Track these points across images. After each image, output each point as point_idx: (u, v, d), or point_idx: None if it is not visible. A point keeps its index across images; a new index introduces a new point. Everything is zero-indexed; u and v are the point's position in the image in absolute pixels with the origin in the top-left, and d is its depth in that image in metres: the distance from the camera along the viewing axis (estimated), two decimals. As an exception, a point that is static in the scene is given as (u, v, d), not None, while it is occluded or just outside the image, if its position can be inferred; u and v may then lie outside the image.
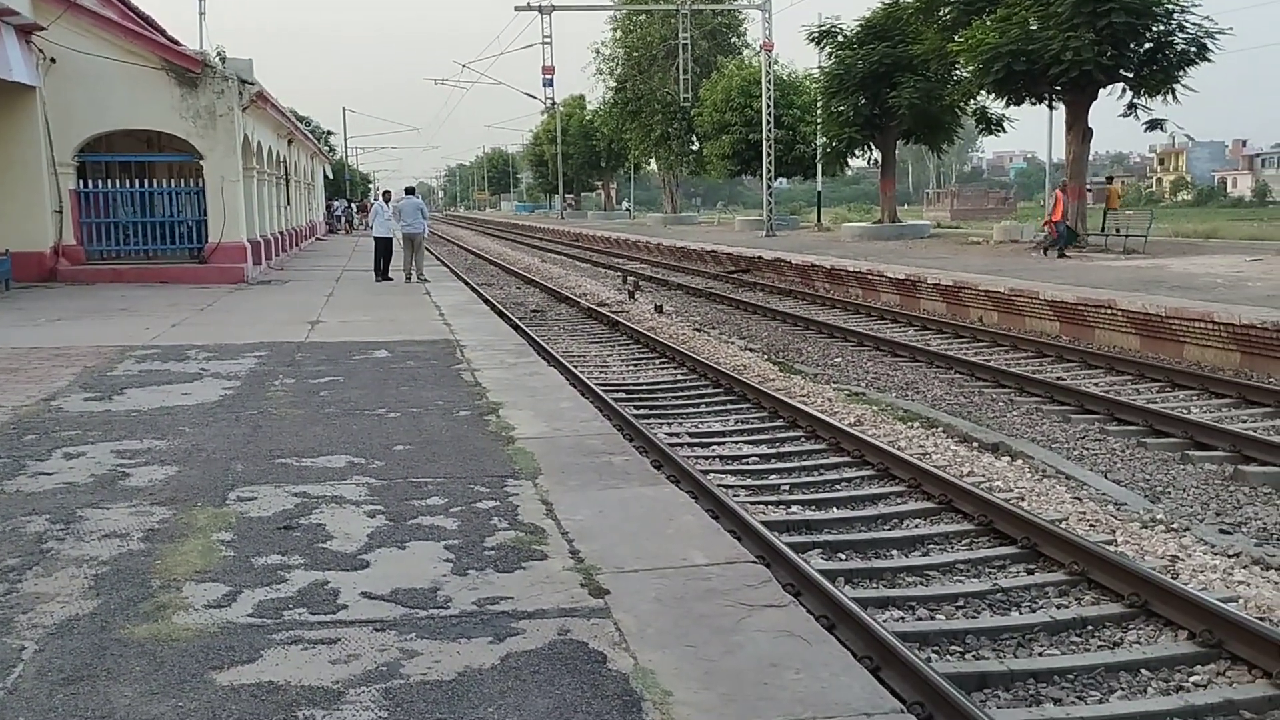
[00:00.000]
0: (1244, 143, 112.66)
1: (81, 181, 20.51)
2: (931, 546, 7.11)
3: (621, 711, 3.40)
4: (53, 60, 19.17)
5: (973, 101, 32.65)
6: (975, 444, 9.64)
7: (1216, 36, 25.11)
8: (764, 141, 40.23)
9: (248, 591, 4.44)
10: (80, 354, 11.14)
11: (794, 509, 7.89)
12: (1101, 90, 26.63)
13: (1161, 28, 25.34)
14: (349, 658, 3.80)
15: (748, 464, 9.25)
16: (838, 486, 8.50)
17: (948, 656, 5.45)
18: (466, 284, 23.34)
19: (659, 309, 20.29)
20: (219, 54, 22.97)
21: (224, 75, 20.44)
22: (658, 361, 14.66)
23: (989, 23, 26.57)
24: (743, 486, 8.50)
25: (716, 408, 11.54)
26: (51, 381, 9.51)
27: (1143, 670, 5.25)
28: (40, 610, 4.25)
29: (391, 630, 4.04)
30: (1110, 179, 35.88)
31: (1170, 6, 25.04)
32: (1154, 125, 27.48)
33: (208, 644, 3.91)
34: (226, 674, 3.67)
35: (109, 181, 21.37)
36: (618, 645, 3.89)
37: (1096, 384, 12.54)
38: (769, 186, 41.61)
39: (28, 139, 19.21)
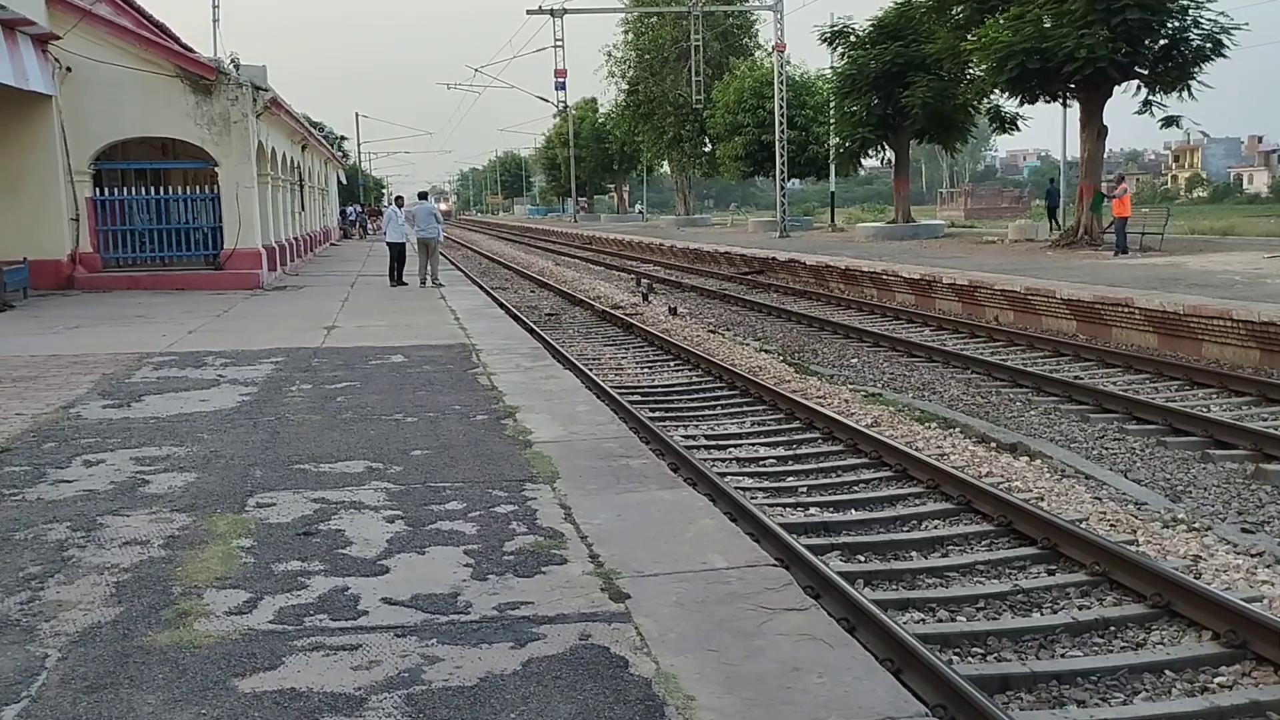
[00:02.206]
0: (1260, 138, 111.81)
1: (98, 189, 20.63)
2: (951, 547, 7.08)
3: (644, 717, 3.38)
4: (68, 69, 19.29)
5: (986, 100, 32.55)
6: (993, 444, 9.59)
7: (1232, 32, 24.98)
8: (777, 142, 40.18)
9: (268, 598, 4.44)
10: (98, 361, 11.19)
11: (812, 511, 7.87)
12: (1116, 88, 26.52)
13: (1176, 24, 25.22)
14: (370, 664, 3.80)
15: (765, 466, 9.23)
16: (856, 488, 8.47)
17: (969, 658, 5.42)
18: (481, 288, 23.37)
19: (673, 311, 20.27)
20: (233, 61, 23.05)
21: (238, 82, 20.53)
22: (672, 364, 14.65)
23: (1002, 21, 26.48)
24: (760, 489, 8.48)
25: (732, 410, 11.52)
26: (70, 389, 9.56)
27: (1167, 671, 5.21)
28: (62, 618, 4.26)
29: (412, 636, 4.04)
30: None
31: (1185, 2, 24.92)
32: (1169, 122, 27.34)
33: (229, 651, 3.92)
34: (249, 681, 3.67)
35: (125, 189, 21.47)
36: (639, 650, 3.88)
37: (1114, 383, 12.47)
38: (782, 187, 41.57)
39: (44, 147, 19.33)
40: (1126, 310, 15.45)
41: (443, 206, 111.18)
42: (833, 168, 45.80)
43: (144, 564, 4.87)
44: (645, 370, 14.24)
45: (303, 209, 33.18)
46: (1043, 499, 7.84)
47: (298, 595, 4.47)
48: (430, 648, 3.93)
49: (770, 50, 47.30)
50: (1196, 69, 25.39)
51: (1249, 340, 13.36)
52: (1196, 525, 7.29)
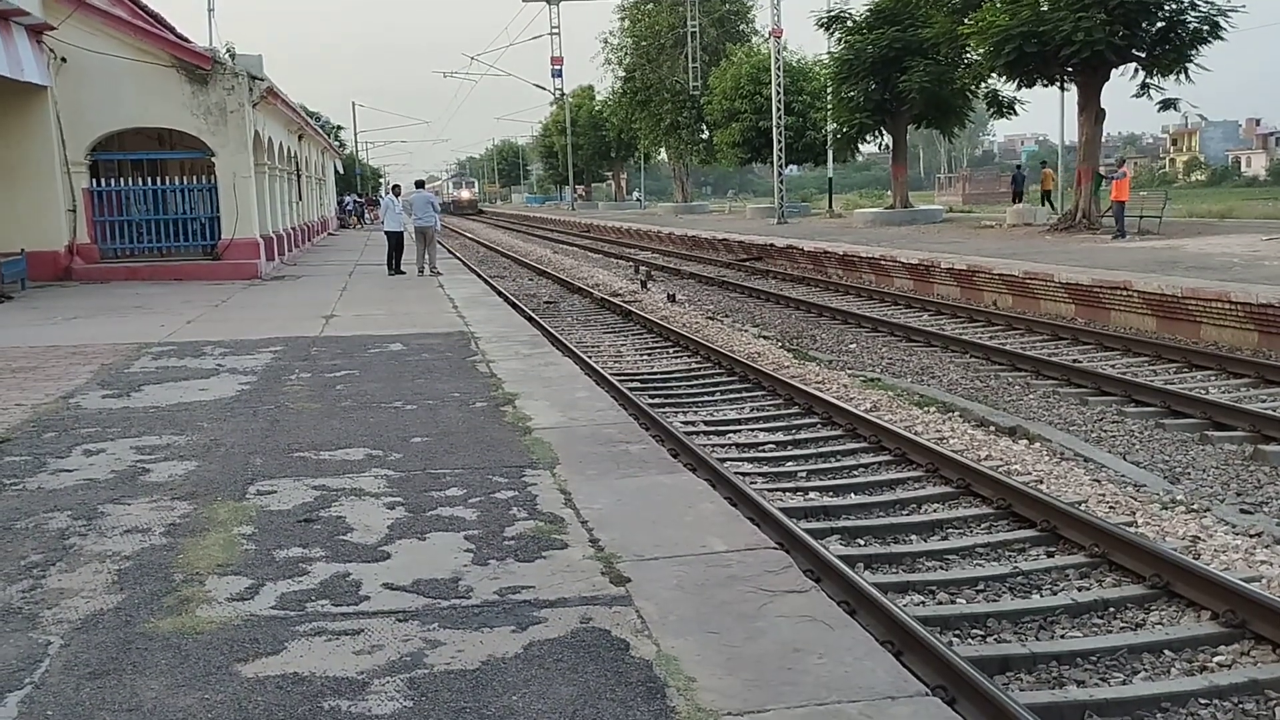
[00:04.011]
0: (1258, 121, 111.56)
1: (95, 180, 20.58)
2: (950, 531, 7.09)
3: (645, 698, 3.40)
4: (64, 60, 19.23)
5: (984, 84, 32.50)
6: (992, 428, 9.60)
7: (1229, 14, 24.94)
8: (774, 128, 40.12)
9: (270, 584, 4.46)
10: (97, 351, 11.19)
11: (811, 495, 7.88)
12: (1114, 71, 26.46)
13: (1174, 6, 25.14)
14: (373, 648, 3.82)
15: (764, 451, 9.25)
16: (855, 472, 8.48)
17: (969, 640, 5.44)
18: (479, 276, 23.33)
19: (671, 298, 20.27)
20: (229, 50, 22.91)
21: (234, 72, 20.46)
22: (671, 350, 14.65)
23: (999, 4, 26.40)
24: (760, 474, 8.49)
25: (731, 395, 11.53)
26: (69, 379, 9.56)
27: (1166, 651, 5.23)
28: (65, 605, 4.28)
29: (414, 620, 4.05)
30: (1044, 163, 39.96)
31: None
32: (1167, 105, 27.29)
33: (232, 636, 3.93)
34: (252, 666, 3.69)
35: (122, 180, 21.43)
36: (640, 633, 3.89)
37: (1113, 366, 12.49)
38: (780, 174, 41.52)
39: (40, 139, 19.29)
40: (1125, 293, 15.45)
41: (465, 194, 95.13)
42: (830, 153, 45.71)
43: (145, 551, 4.89)
44: (644, 357, 14.25)
45: (300, 198, 33.12)
46: (1042, 482, 7.86)
47: (299, 581, 4.49)
48: (432, 632, 3.94)
49: (767, 36, 47.15)
50: (1194, 51, 25.32)
51: (1247, 322, 13.37)
52: (1195, 506, 7.30)
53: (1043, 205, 34.65)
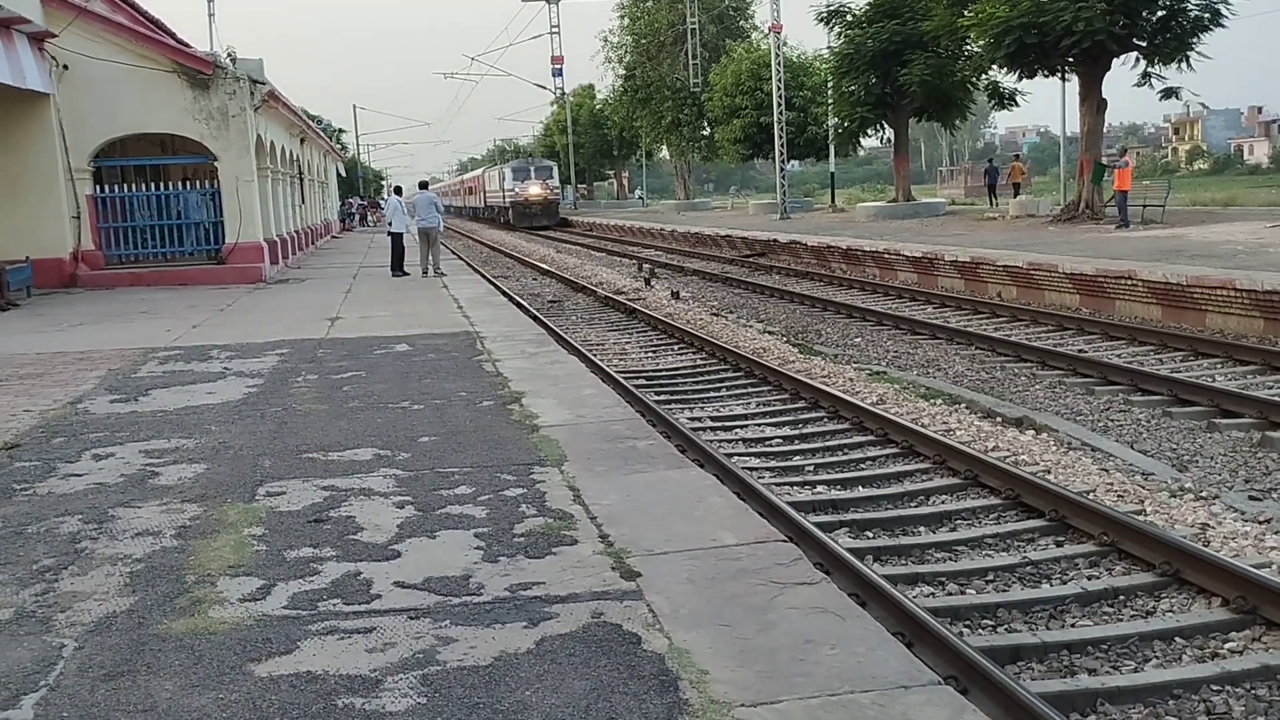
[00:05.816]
0: (1259, 109, 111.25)
1: (98, 187, 20.61)
2: (959, 522, 7.09)
3: (659, 691, 3.41)
4: (65, 67, 19.25)
5: (984, 76, 32.44)
6: (999, 419, 9.60)
7: (1230, 1, 24.86)
8: (775, 124, 40.06)
9: (281, 584, 4.46)
10: (104, 357, 11.21)
11: (819, 489, 7.89)
12: (1115, 60, 26.39)
13: (1173, -6, 25.09)
14: (385, 646, 3.82)
15: (771, 446, 9.24)
16: (862, 465, 8.49)
17: (980, 630, 5.44)
18: (483, 277, 23.32)
19: (675, 295, 20.26)
20: (230, 55, 22.92)
21: (235, 76, 20.47)
22: (676, 347, 14.65)
23: (999, -5, 26.35)
24: (767, 468, 8.49)
25: (737, 391, 11.53)
26: (77, 385, 9.58)
27: (1177, 638, 5.23)
28: (78, 608, 4.29)
29: (426, 618, 4.06)
30: (1017, 156, 43.12)
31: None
32: (1169, 94, 27.21)
33: (245, 636, 3.94)
34: (265, 665, 3.70)
35: (125, 186, 21.45)
36: (651, 626, 3.90)
37: (1119, 355, 12.47)
38: (782, 169, 41.47)
39: (43, 146, 19.30)
40: (1129, 283, 15.43)
41: (534, 190, 55.54)
42: (832, 148, 45.67)
43: (157, 554, 4.90)
44: (649, 354, 14.26)
45: (303, 202, 33.15)
46: (1049, 471, 7.86)
47: (310, 581, 4.50)
48: (444, 629, 3.95)
49: (767, 32, 47.09)
50: (1195, 39, 25.24)
51: (1253, 309, 13.34)
52: (1204, 494, 7.30)
53: (1015, 195, 36.54)
